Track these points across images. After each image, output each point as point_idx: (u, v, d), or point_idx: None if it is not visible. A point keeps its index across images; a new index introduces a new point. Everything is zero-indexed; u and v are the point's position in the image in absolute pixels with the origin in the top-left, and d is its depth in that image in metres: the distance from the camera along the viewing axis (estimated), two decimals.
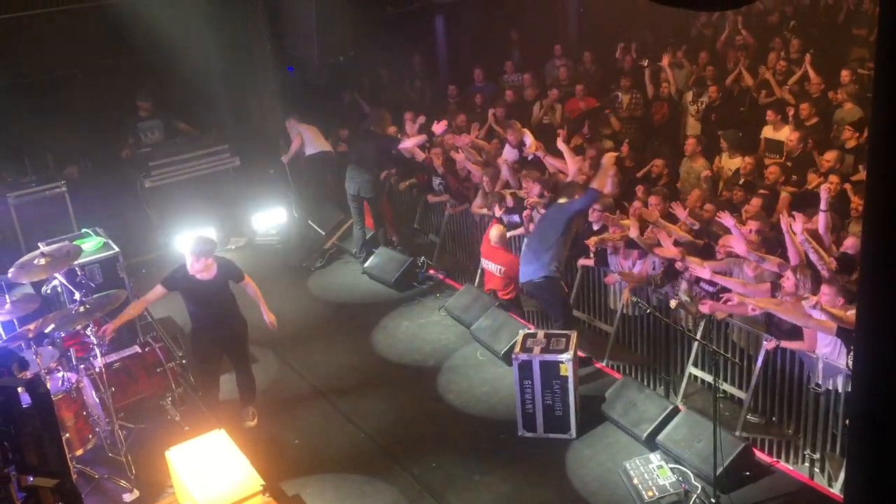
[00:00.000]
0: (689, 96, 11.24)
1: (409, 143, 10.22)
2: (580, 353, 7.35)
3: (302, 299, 9.89)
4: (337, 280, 10.28)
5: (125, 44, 10.90)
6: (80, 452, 6.62)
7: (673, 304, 7.14)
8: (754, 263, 6.84)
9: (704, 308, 6.88)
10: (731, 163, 9.37)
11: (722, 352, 6.61)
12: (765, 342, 6.59)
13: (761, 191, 8.21)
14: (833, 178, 8.03)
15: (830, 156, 8.51)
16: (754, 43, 12.38)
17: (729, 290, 6.84)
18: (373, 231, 10.52)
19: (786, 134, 9.45)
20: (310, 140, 11.23)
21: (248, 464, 6.06)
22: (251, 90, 11.78)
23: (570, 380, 6.80)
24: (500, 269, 8.61)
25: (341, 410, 7.66)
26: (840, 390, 6.11)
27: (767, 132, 9.83)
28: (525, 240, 8.35)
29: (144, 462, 6.74)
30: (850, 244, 6.78)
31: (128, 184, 11.07)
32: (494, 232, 8.67)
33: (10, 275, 6.87)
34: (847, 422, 5.72)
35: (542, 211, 8.34)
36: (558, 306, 7.81)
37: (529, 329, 7.73)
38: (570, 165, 8.41)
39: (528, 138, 9.20)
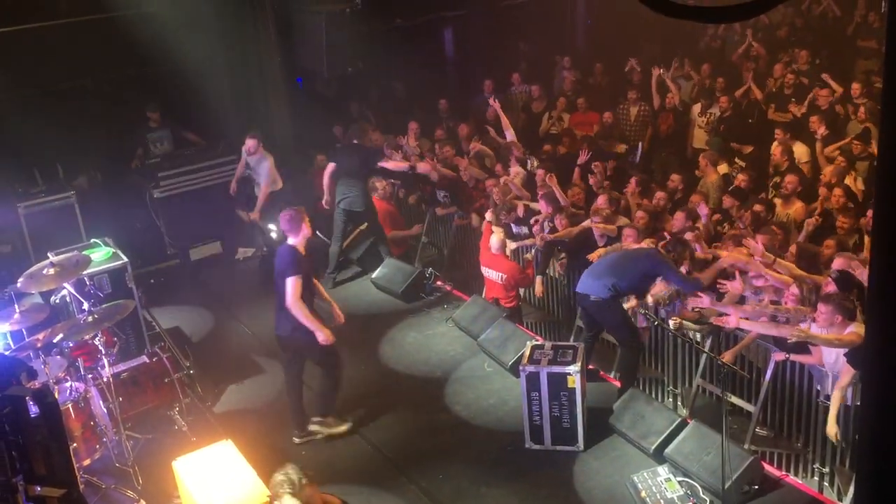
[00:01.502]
0: (698, 108, 11.24)
1: (391, 165, 10.08)
2: (588, 366, 7.34)
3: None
4: (344, 290, 10.28)
5: (135, 55, 10.96)
6: (87, 462, 6.63)
7: (673, 324, 7.09)
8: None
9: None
10: (718, 170, 9.54)
11: (730, 364, 6.58)
12: (773, 354, 6.57)
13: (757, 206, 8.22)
14: (837, 191, 8.05)
15: (828, 170, 8.57)
16: (766, 55, 12.39)
17: None
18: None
19: (798, 150, 9.46)
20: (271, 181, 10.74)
21: (255, 475, 6.04)
22: (260, 101, 11.82)
23: (578, 392, 6.79)
24: (502, 277, 8.61)
25: (348, 421, 7.65)
26: (849, 403, 6.08)
27: (777, 149, 9.78)
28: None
29: (151, 472, 6.74)
30: (839, 264, 6.74)
31: (137, 194, 11.11)
32: (495, 239, 8.68)
33: (19, 284, 6.90)
34: (856, 435, 5.70)
35: (552, 227, 8.43)
36: (623, 325, 7.47)
37: (537, 341, 7.72)
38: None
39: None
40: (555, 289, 8.82)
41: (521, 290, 8.95)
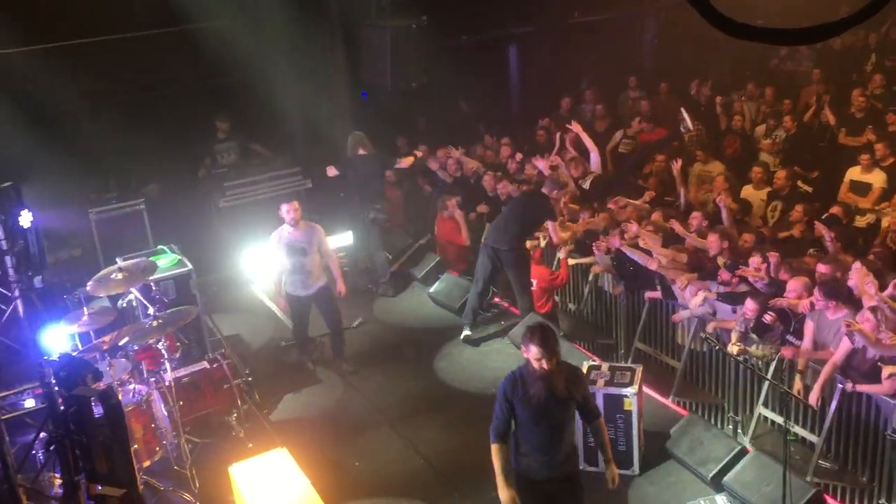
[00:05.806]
0: (762, 130, 11.03)
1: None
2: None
3: (367, 323, 9.96)
4: (402, 304, 10.33)
5: (208, 66, 11.23)
6: (147, 464, 6.77)
7: (735, 349, 6.88)
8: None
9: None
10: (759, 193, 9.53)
11: (794, 393, 6.41)
12: (839, 384, 6.35)
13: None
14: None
15: None
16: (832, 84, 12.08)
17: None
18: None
19: (876, 177, 9.19)
20: None
21: (309, 483, 6.10)
22: (325, 114, 11.98)
23: (635, 414, 6.68)
24: (534, 283, 8.62)
25: (402, 435, 7.68)
26: None
27: (854, 174, 9.45)
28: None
29: (208, 476, 6.86)
30: None
31: (203, 203, 11.35)
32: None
33: (88, 288, 7.11)
34: None
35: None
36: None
37: (594, 361, 7.63)
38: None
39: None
40: (612, 308, 8.70)
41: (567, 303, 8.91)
